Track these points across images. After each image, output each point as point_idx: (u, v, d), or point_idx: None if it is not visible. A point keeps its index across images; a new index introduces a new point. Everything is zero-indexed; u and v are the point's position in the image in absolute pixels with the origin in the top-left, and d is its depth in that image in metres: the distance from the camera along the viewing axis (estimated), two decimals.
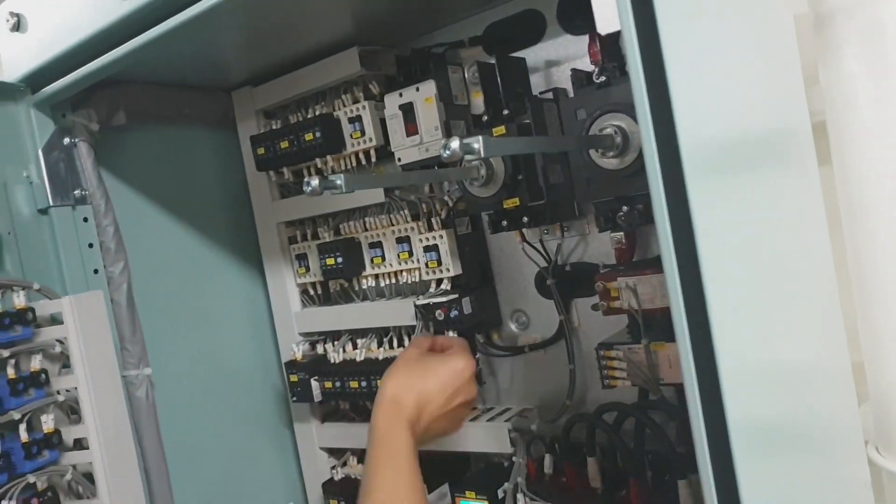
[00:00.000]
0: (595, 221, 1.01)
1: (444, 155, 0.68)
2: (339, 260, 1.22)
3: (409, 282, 1.21)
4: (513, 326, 1.22)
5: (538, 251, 1.13)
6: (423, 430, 0.85)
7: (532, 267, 1.17)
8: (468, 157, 0.69)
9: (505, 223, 1.05)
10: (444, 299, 1.14)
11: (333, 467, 1.33)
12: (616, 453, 1.00)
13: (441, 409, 0.87)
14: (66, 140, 1.11)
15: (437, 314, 1.14)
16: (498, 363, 1.24)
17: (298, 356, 1.31)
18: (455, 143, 0.67)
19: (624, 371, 0.95)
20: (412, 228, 1.18)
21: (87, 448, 1.00)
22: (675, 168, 0.54)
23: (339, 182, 0.79)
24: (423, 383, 0.87)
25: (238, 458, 1.32)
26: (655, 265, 0.94)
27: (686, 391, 0.55)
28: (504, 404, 1.23)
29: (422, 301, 1.16)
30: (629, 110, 0.88)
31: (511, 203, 1.00)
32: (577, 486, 1.02)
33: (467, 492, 1.11)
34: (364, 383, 1.19)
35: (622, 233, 1.02)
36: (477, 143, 0.66)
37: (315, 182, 0.81)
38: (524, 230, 1.11)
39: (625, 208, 0.96)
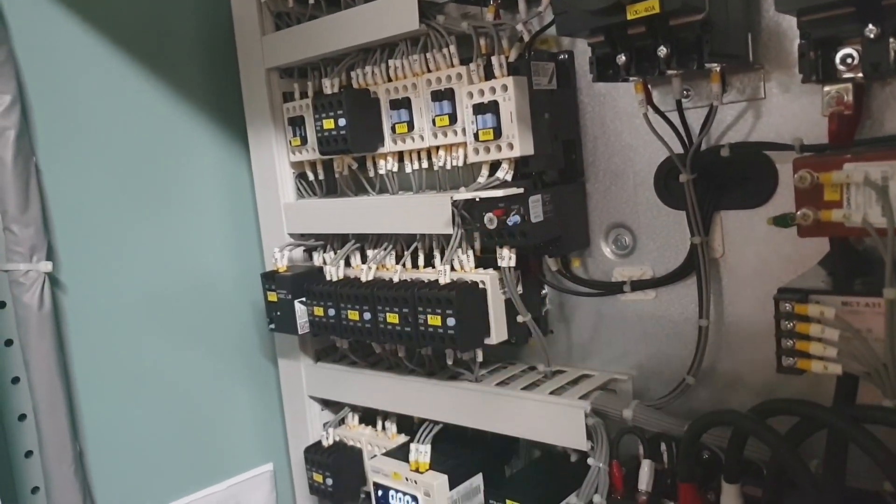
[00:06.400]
0: (798, 66, 0.53)
1: None
2: (342, 123, 0.78)
3: (449, 165, 0.77)
4: (606, 250, 0.77)
5: (670, 124, 0.66)
6: None
7: (653, 152, 0.71)
8: None
9: (622, 59, 0.59)
10: (499, 194, 0.69)
11: (326, 425, 0.94)
12: (776, 482, 0.55)
13: None
14: None
15: (486, 219, 0.70)
16: (576, 305, 0.79)
17: (281, 266, 0.90)
18: None
19: (829, 346, 0.49)
20: (458, 76, 0.73)
21: None
22: None
23: None
24: None
25: (205, 400, 0.96)
26: None
27: None
28: (579, 367, 0.79)
29: (464, 195, 0.72)
30: None
31: (643, 8, 0.52)
32: None
33: (509, 500, 0.70)
34: (367, 315, 0.78)
35: (849, 85, 0.54)
36: None
37: None
38: (650, 86, 0.64)
39: (869, 31, 0.49)
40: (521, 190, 0.70)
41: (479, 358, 0.78)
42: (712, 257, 0.68)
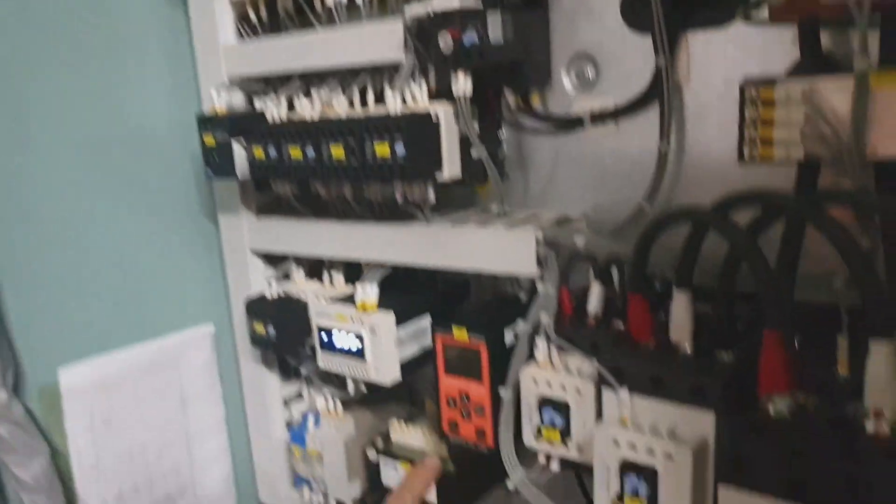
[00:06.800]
0: None
1: None
2: None
3: None
4: (567, 83, 0.73)
5: None
6: None
7: None
8: None
9: None
10: (455, 6, 0.64)
11: (270, 278, 0.91)
12: (727, 290, 0.53)
13: None
14: None
15: (441, 39, 0.65)
16: (534, 147, 0.76)
17: (220, 108, 0.84)
18: None
19: (793, 129, 0.47)
20: None
21: None
22: None
23: None
24: None
25: (141, 258, 0.90)
26: None
27: None
28: (535, 210, 0.76)
29: (416, 11, 0.66)
30: None
31: None
32: (646, 339, 0.56)
33: (455, 327, 0.67)
34: (311, 153, 0.73)
35: None
36: None
37: None
38: None
39: None
40: (480, 6, 0.64)
41: (431, 198, 0.74)
42: (677, 82, 0.65)
